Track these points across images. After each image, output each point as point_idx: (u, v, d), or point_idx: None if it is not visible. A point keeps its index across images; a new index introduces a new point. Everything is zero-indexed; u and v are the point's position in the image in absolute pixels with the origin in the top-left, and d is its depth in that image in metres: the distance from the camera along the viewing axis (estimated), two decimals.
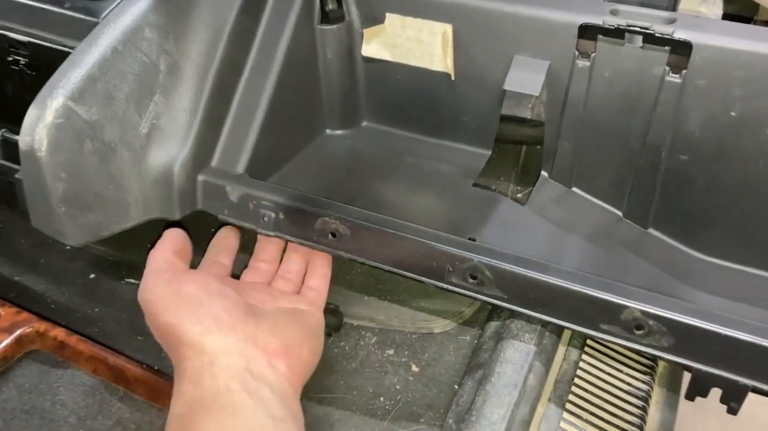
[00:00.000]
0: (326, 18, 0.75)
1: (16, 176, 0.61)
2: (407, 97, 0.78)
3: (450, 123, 0.78)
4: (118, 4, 0.65)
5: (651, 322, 0.54)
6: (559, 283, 0.56)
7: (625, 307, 0.54)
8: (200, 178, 0.69)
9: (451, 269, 0.60)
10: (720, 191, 0.67)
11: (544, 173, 0.75)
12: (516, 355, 0.59)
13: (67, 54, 0.64)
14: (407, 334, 0.76)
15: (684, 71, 0.63)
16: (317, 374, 0.69)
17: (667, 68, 0.63)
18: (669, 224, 0.71)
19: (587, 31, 0.65)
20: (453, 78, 0.73)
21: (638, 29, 0.63)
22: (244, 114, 0.71)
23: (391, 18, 0.74)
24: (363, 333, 0.78)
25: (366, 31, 0.75)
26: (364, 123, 0.83)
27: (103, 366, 0.60)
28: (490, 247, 0.59)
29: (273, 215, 0.66)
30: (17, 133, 0.59)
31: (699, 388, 0.55)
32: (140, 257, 0.65)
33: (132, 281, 0.84)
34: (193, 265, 0.68)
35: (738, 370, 0.53)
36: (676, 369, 0.69)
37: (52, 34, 0.67)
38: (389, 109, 0.81)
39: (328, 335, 0.77)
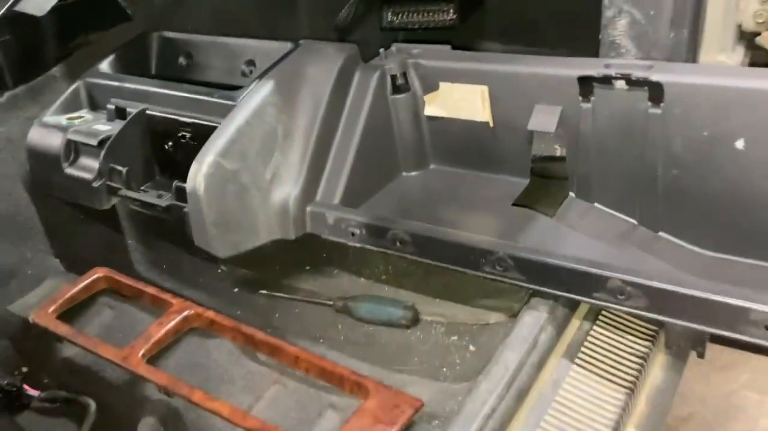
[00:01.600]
0: (396, 89, 1.01)
1: (185, 210, 0.90)
2: (462, 142, 1.01)
3: (495, 160, 1.00)
4: (249, 91, 0.94)
5: (629, 288, 0.72)
6: (561, 263, 0.76)
7: (609, 278, 0.73)
8: (308, 209, 0.95)
9: (483, 261, 0.81)
10: (710, 196, 0.84)
11: (571, 194, 0.95)
12: (530, 319, 0.78)
13: (215, 126, 0.94)
14: (469, 325, 0.96)
15: (662, 104, 0.82)
16: (397, 354, 0.91)
17: (649, 103, 0.83)
18: (675, 227, 0.88)
19: (584, 82, 0.86)
20: (492, 125, 0.96)
21: (621, 76, 0.84)
22: (337, 164, 0.97)
23: (443, 86, 0.98)
24: (434, 325, 0.99)
25: (426, 97, 1.00)
26: (432, 166, 1.06)
27: (239, 335, 0.86)
28: (508, 242, 0.80)
29: (358, 231, 0.91)
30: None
31: (671, 339, 0.72)
32: (270, 274, 0.91)
33: (264, 292, 1.10)
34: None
35: (697, 320, 0.70)
36: (681, 342, 0.84)
37: (206, 115, 0.97)
38: (449, 153, 1.04)
39: (406, 327, 1.00)
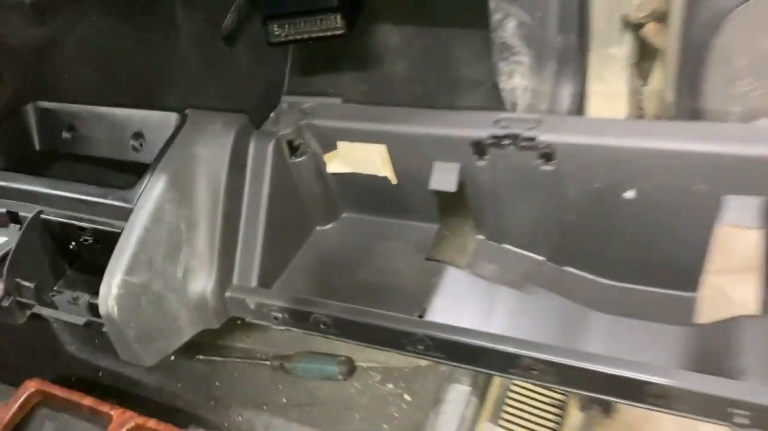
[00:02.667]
0: (295, 151, 0.99)
1: (104, 329, 0.89)
2: (370, 193, 1.01)
3: (402, 208, 1.01)
4: (143, 191, 0.91)
5: (540, 365, 0.77)
6: (478, 343, 0.79)
7: (521, 356, 0.77)
8: (227, 294, 0.95)
9: (405, 341, 0.84)
10: (606, 235, 0.88)
11: (480, 237, 0.97)
12: (455, 395, 0.83)
13: (115, 232, 0.91)
14: (402, 370, 1.01)
15: (553, 161, 0.83)
16: (339, 412, 0.95)
17: (541, 160, 0.84)
18: (578, 262, 0.92)
19: (477, 144, 0.87)
20: (395, 182, 0.96)
21: (511, 138, 0.84)
22: (249, 240, 0.96)
23: (341, 145, 0.97)
24: (370, 373, 1.03)
25: (326, 156, 0.99)
26: (344, 214, 1.07)
27: None
28: (429, 322, 0.83)
29: (281, 315, 0.92)
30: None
31: (582, 401, 0.78)
32: (204, 337, 0.93)
33: (201, 357, 1.12)
34: None
35: (600, 392, 0.75)
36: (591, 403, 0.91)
37: (104, 218, 0.94)
38: (359, 202, 1.04)
39: (344, 379, 1.04)
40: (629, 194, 0.82)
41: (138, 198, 0.91)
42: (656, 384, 0.71)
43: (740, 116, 0.89)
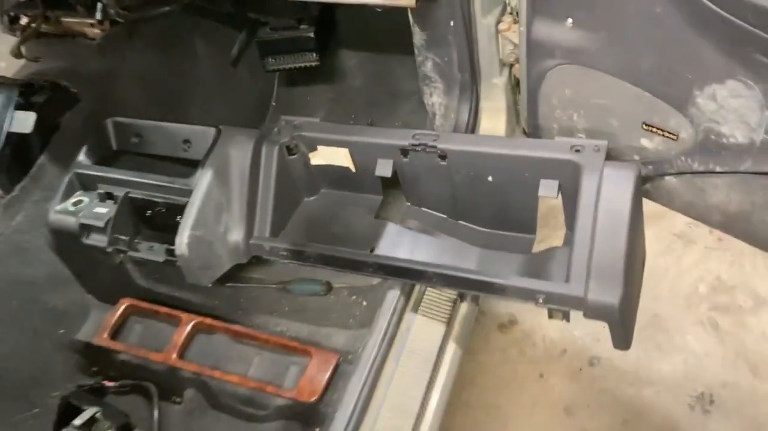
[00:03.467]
0: (290, 152, 1.56)
1: (177, 263, 1.46)
2: (339, 177, 1.59)
3: (359, 186, 1.59)
4: (198, 178, 1.48)
5: (439, 277, 1.36)
6: (405, 266, 1.38)
7: (428, 272, 1.36)
8: (251, 241, 1.52)
9: (362, 267, 1.42)
10: (481, 203, 1.47)
11: (408, 203, 1.56)
12: (391, 295, 1.42)
13: (181, 206, 1.48)
14: (362, 287, 1.60)
15: (446, 160, 1.42)
16: (322, 315, 1.55)
17: (439, 159, 1.43)
18: (466, 218, 1.52)
19: (403, 149, 1.45)
20: (354, 171, 1.54)
21: (421, 146, 1.42)
22: (263, 209, 1.53)
23: (321, 148, 1.54)
24: (342, 290, 1.62)
25: (310, 154, 1.56)
26: (323, 190, 1.65)
27: (230, 331, 1.47)
28: (376, 254, 1.42)
29: (285, 253, 1.50)
30: (167, 242, 1.46)
31: (461, 296, 1.38)
32: (232, 270, 1.51)
33: (230, 284, 1.69)
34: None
35: (470, 288, 1.35)
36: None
37: (173, 196, 1.50)
38: (333, 182, 1.62)
39: (325, 294, 1.63)
40: (490, 178, 1.42)
41: (195, 184, 1.48)
42: (497, 283, 1.31)
43: (557, 131, 1.49)
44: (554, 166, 1.34)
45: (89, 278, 1.65)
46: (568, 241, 1.39)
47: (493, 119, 1.73)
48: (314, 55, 1.83)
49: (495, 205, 1.46)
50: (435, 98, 1.77)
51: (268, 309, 1.64)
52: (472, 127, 1.72)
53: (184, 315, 1.51)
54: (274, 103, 2.10)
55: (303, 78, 2.08)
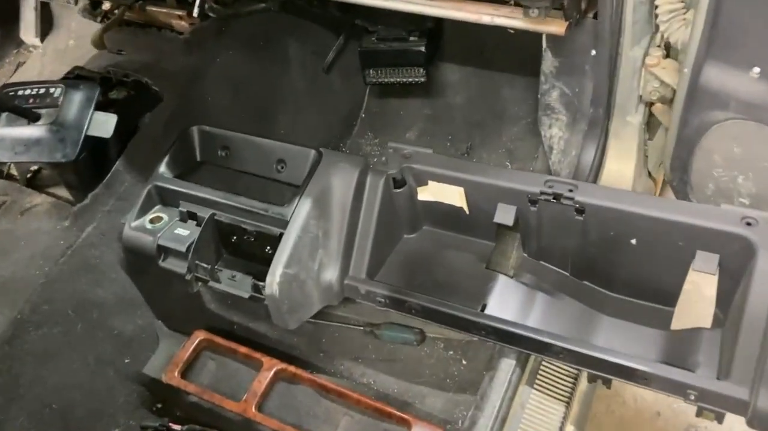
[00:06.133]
0: (397, 185, 1.38)
1: (265, 302, 1.30)
2: (446, 216, 1.41)
3: (469, 228, 1.41)
4: (295, 209, 1.31)
5: (562, 351, 1.18)
6: (523, 333, 1.20)
7: (551, 344, 1.18)
8: (345, 282, 1.35)
9: (471, 327, 1.25)
10: (615, 264, 1.28)
11: (525, 254, 1.38)
12: (505, 365, 1.24)
13: (272, 236, 1.31)
14: (460, 341, 1.42)
15: (583, 215, 1.23)
16: (414, 368, 1.37)
17: (575, 213, 1.24)
18: (592, 278, 1.33)
19: (531, 197, 1.26)
20: (467, 213, 1.36)
21: (555, 197, 1.24)
22: (361, 245, 1.36)
23: (431, 183, 1.36)
24: (436, 341, 1.45)
25: (419, 189, 1.38)
26: (425, 227, 1.47)
27: (315, 384, 1.31)
28: (489, 315, 1.24)
29: (383, 300, 1.33)
30: (251, 273, 1.30)
31: (590, 377, 1.20)
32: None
33: (312, 320, 1.52)
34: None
35: (601, 370, 1.17)
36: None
37: (265, 225, 1.34)
38: (437, 220, 1.44)
39: (417, 345, 1.45)
40: (633, 241, 1.22)
41: (292, 214, 1.31)
42: (640, 370, 1.12)
43: (712, 191, 1.29)
44: (717, 238, 1.14)
45: (160, 303, 1.50)
46: (719, 323, 1.20)
47: (622, 161, 1.53)
48: (422, 71, 1.64)
49: (632, 270, 1.27)
50: (555, 131, 1.58)
51: (353, 355, 1.48)
52: (597, 168, 1.52)
53: (265, 359, 1.35)
54: (363, 115, 1.93)
55: (397, 90, 1.90)
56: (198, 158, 1.52)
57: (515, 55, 1.62)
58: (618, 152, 1.52)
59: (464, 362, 1.41)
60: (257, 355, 1.36)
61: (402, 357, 1.45)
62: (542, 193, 1.25)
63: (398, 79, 1.66)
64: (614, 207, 1.21)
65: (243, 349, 1.38)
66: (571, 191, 1.24)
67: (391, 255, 1.44)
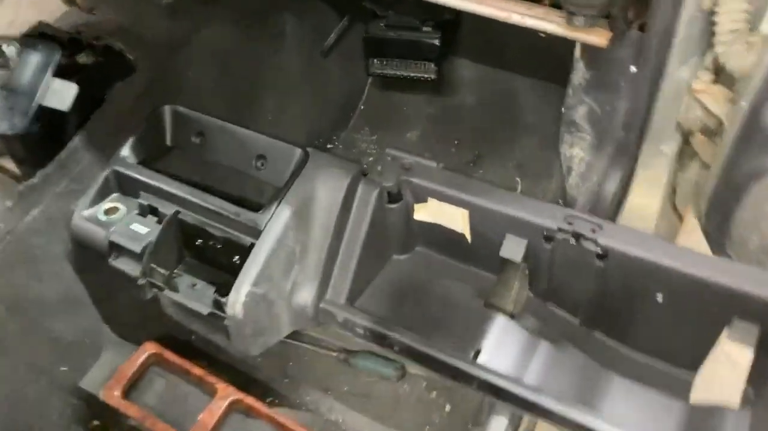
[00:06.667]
0: (392, 200, 1.19)
1: (225, 322, 1.12)
2: (443, 238, 1.22)
3: (469, 257, 1.23)
4: (272, 217, 1.12)
5: (561, 418, 1.01)
6: (519, 392, 1.03)
7: (550, 411, 1.01)
8: (321, 305, 1.17)
9: (461, 377, 1.07)
10: (634, 318, 1.11)
11: (530, 293, 1.20)
12: (497, 424, 1.07)
13: (242, 245, 1.13)
14: (444, 382, 1.25)
15: (605, 260, 1.05)
16: (391, 407, 1.20)
17: (596, 257, 1.06)
18: (605, 329, 1.16)
19: (547, 232, 1.08)
20: (469, 241, 1.18)
21: (576, 235, 1.06)
22: (344, 264, 1.18)
23: (431, 201, 1.18)
24: (417, 379, 1.28)
25: (416, 206, 1.20)
26: (418, 248, 1.28)
27: (275, 422, 1.13)
28: (483, 367, 1.06)
29: (362, 332, 1.15)
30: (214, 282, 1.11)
31: None
32: None
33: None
34: None
35: None
36: None
37: (235, 231, 1.15)
38: (432, 242, 1.26)
39: (396, 380, 1.28)
40: (659, 297, 1.05)
41: (267, 222, 1.12)
42: None
43: (757, 247, 1.11)
44: (760, 307, 0.97)
45: (109, 305, 1.31)
46: (749, 402, 1.04)
47: (648, 195, 1.35)
48: (433, 66, 1.45)
49: (653, 327, 1.10)
50: (576, 151, 1.39)
51: (322, 384, 1.30)
52: (619, 199, 1.34)
53: (219, 385, 1.17)
54: (362, 107, 1.73)
55: (402, 83, 1.70)
56: (168, 143, 1.33)
57: (540, 59, 1.43)
58: (645, 184, 1.34)
59: (448, 408, 1.24)
60: (211, 380, 1.18)
61: (378, 393, 1.28)
62: (560, 230, 1.07)
63: (405, 73, 1.46)
64: (643, 257, 1.03)
65: (197, 370, 1.19)
66: (594, 231, 1.06)
67: (377, 278, 1.26)
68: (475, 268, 1.24)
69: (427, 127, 1.67)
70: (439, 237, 1.23)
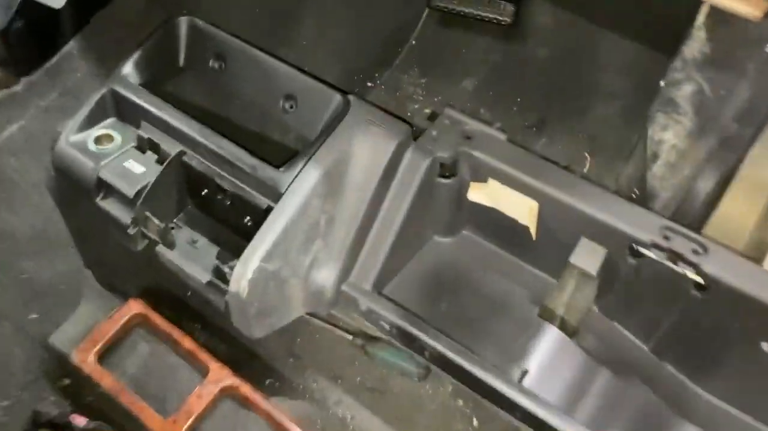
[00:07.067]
0: (444, 173, 0.97)
1: (226, 297, 0.92)
2: (498, 225, 1.01)
3: (527, 253, 1.01)
4: (295, 179, 0.91)
5: None
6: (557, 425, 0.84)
7: None
8: (343, 288, 0.97)
9: (502, 402, 0.88)
10: (718, 358, 0.90)
11: (595, 308, 0.99)
12: None
13: (257, 207, 0.92)
14: None
15: (704, 292, 0.84)
16: (408, 409, 1.02)
17: (693, 286, 0.85)
18: (679, 364, 0.95)
19: (636, 244, 0.86)
20: (534, 239, 0.96)
21: (674, 255, 0.84)
22: (376, 244, 0.97)
23: (493, 182, 0.95)
24: (443, 382, 1.09)
25: (473, 184, 0.98)
26: (465, 231, 1.07)
27: (271, 418, 0.95)
28: (531, 394, 0.87)
29: (388, 327, 0.95)
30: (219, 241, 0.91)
31: None
32: None
33: None
34: None
35: None
36: None
37: (249, 188, 0.94)
38: (484, 227, 1.04)
39: (418, 380, 1.10)
40: (765, 347, 0.84)
41: (291, 184, 0.91)
42: None
43: None
44: None
45: (94, 248, 1.11)
46: None
47: (747, 202, 1.11)
48: (511, 8, 1.19)
49: (746, 376, 0.89)
50: (669, 136, 1.15)
51: (332, 371, 1.11)
52: (712, 201, 1.11)
53: (212, 364, 0.99)
54: (413, 43, 1.48)
55: (466, 22, 1.44)
56: (180, 64, 1.10)
57: (639, 16, 1.18)
58: (746, 188, 1.10)
59: (475, 423, 1.05)
60: (203, 357, 0.99)
61: (396, 390, 1.09)
62: (654, 245, 0.85)
63: (475, 12, 1.21)
64: (757, 297, 0.81)
65: (187, 342, 1.01)
66: (696, 253, 0.84)
67: (413, 261, 1.05)
68: (531, 267, 1.03)
69: (487, 77, 1.42)
70: (494, 222, 1.01)
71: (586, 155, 1.32)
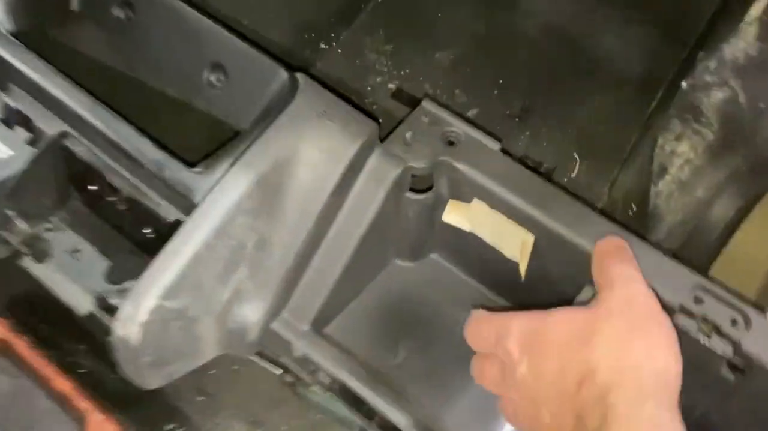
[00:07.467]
0: (417, 186, 0.75)
1: (110, 338, 0.68)
2: (477, 257, 0.80)
3: (513, 292, 0.81)
4: (216, 186, 0.66)
5: None
6: None
7: None
8: (272, 326, 0.74)
9: None
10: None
11: None
12: None
13: (161, 220, 0.68)
14: None
15: (739, 374, 0.65)
16: None
17: (727, 367, 0.65)
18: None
19: (662, 306, 0.66)
20: (522, 280, 0.75)
21: (705, 325, 0.64)
22: (322, 271, 0.74)
23: (478, 204, 0.73)
24: None
25: (452, 202, 0.76)
26: (433, 255, 0.85)
27: None
28: None
29: (327, 380, 0.74)
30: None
31: None
32: None
33: None
34: None
35: None
36: None
37: (151, 192, 0.69)
38: (456, 253, 0.83)
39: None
40: None
41: (210, 192, 0.66)
42: None
43: None
44: None
45: None
46: None
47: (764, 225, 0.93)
48: None
49: None
50: (684, 148, 0.95)
51: (252, 415, 0.89)
52: (729, 235, 0.93)
53: (93, 415, 0.75)
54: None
55: None
56: (74, 7, 0.82)
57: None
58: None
59: None
60: (82, 404, 0.75)
61: None
62: (683, 309, 0.65)
63: None
64: None
65: (62, 384, 0.76)
66: (735, 323, 0.64)
67: (366, 290, 0.82)
68: (513, 305, 0.82)
69: (465, 50, 1.17)
70: (472, 250, 0.80)
71: (575, 155, 1.11)
